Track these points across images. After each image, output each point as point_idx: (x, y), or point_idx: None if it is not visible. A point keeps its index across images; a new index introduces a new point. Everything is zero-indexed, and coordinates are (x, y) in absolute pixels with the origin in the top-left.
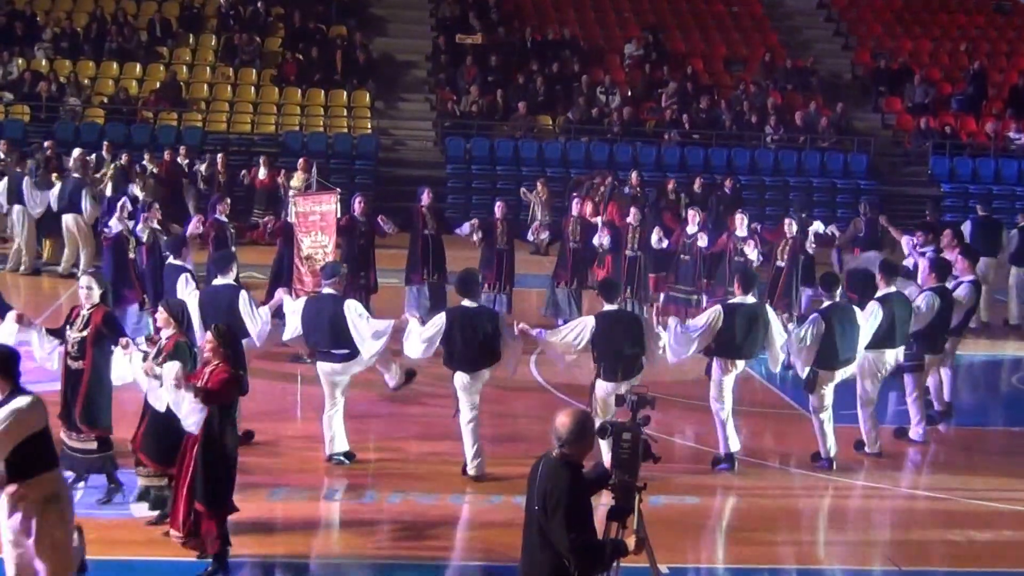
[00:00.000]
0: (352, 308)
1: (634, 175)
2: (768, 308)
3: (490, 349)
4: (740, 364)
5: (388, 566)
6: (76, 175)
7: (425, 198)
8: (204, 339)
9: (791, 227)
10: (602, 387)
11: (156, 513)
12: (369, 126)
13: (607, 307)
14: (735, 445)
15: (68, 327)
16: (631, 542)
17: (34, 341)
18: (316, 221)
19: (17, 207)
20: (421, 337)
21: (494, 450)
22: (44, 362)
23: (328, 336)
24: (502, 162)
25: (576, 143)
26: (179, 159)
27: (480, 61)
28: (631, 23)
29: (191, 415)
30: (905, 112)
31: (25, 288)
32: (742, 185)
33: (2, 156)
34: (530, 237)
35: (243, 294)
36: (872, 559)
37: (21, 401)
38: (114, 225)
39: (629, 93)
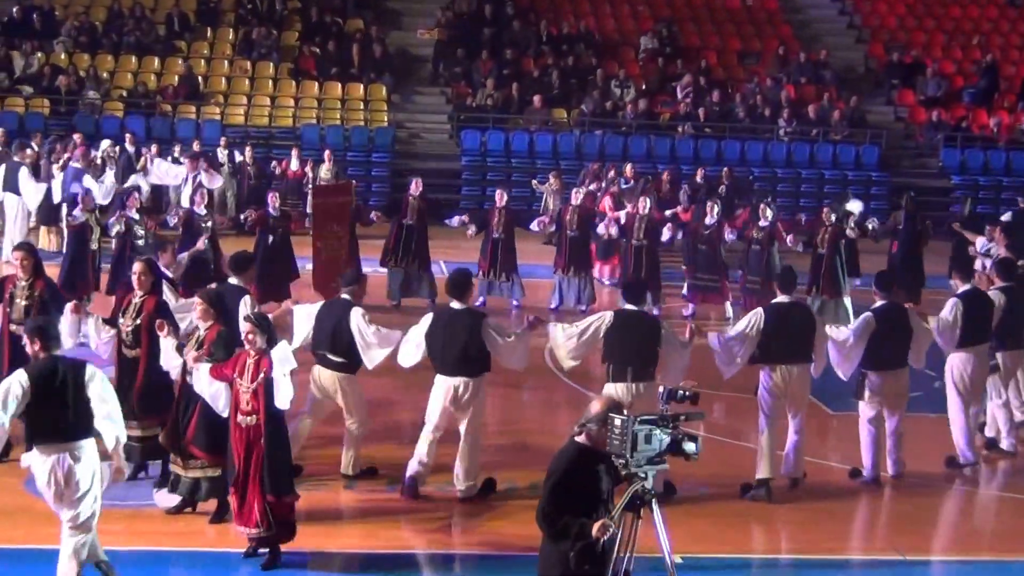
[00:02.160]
0: (358, 314)
1: (628, 168)
2: (812, 309)
3: (469, 356)
4: (793, 370)
5: (405, 557)
6: (76, 165)
7: (414, 187)
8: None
9: (829, 215)
10: (609, 388)
11: (177, 501)
12: (385, 119)
13: (627, 307)
14: (766, 471)
15: (121, 315)
16: (596, 527)
17: (90, 330)
18: (332, 213)
19: (10, 195)
20: (415, 342)
21: (512, 441)
22: (100, 350)
23: (328, 341)
24: (517, 155)
25: (590, 136)
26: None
27: (495, 54)
28: (646, 16)
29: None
30: (917, 105)
31: None
32: (751, 177)
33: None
34: (535, 227)
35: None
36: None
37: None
38: (78, 214)
39: (643, 86)
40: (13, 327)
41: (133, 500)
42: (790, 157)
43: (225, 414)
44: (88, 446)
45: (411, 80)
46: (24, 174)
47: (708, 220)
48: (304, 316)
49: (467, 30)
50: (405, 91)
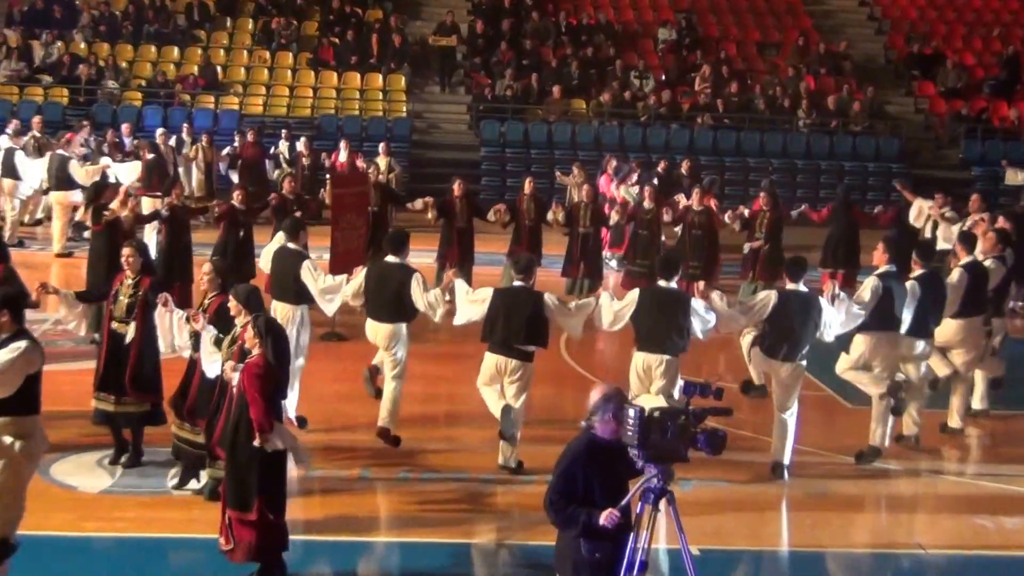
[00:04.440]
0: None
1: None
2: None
3: (402, 304)
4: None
5: (420, 545)
6: (61, 151)
7: (457, 188)
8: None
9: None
10: (639, 358)
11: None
12: (404, 109)
13: (660, 283)
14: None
15: (115, 295)
16: (603, 515)
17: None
18: (350, 202)
19: (8, 180)
20: (469, 300)
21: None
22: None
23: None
24: (536, 145)
25: (609, 127)
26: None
27: (514, 45)
28: (665, 7)
29: None
30: (937, 96)
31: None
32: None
33: (10, 132)
34: (490, 218)
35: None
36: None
37: (23, 342)
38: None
39: (663, 77)
40: (115, 325)
41: (147, 488)
42: (809, 148)
43: None
44: None
45: (430, 70)
46: (20, 157)
47: (647, 204)
48: (473, 299)
49: (486, 21)
50: (424, 82)
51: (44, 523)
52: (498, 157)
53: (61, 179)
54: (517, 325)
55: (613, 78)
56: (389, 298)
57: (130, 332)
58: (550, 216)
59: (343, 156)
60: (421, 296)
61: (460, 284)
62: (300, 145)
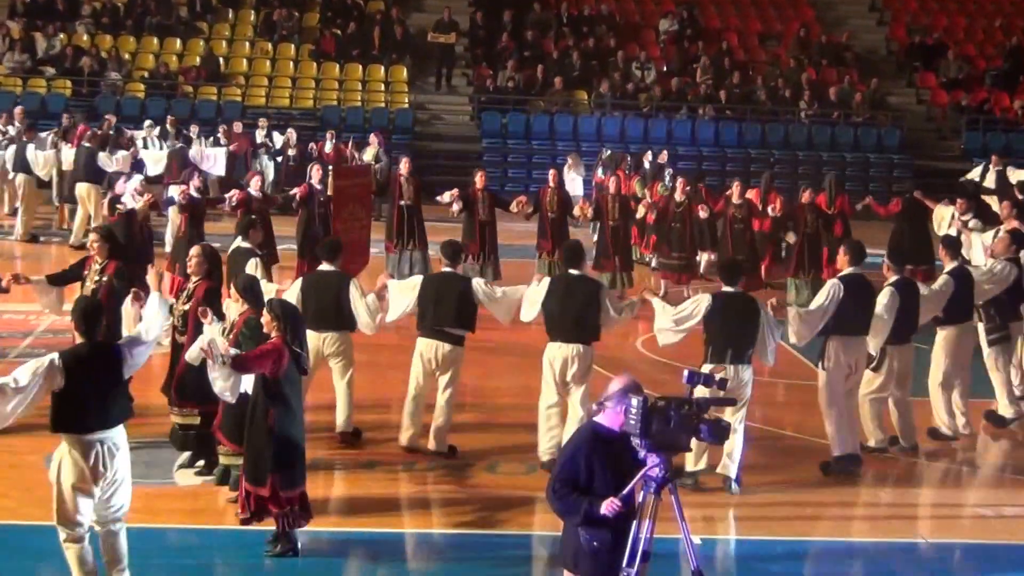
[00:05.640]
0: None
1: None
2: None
3: (586, 323)
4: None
5: (429, 537)
6: (88, 144)
7: (404, 167)
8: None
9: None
10: (708, 368)
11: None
12: (406, 101)
13: (725, 288)
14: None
15: (176, 300)
16: (604, 504)
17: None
18: (353, 194)
19: (21, 175)
20: (399, 290)
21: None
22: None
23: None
24: (537, 137)
25: (611, 118)
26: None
27: (516, 36)
28: None
29: (217, 381)
30: (939, 87)
31: (24, 255)
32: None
33: (17, 124)
34: (513, 209)
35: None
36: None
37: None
38: (128, 201)
39: (664, 68)
40: None
41: (154, 479)
42: (811, 139)
43: (216, 387)
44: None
45: (432, 62)
46: (31, 149)
47: (679, 197)
48: (403, 289)
49: (487, 12)
50: (425, 73)
51: (51, 514)
52: (499, 148)
53: (89, 170)
54: (446, 309)
55: (615, 69)
56: (328, 306)
57: None
58: (577, 211)
59: (328, 146)
60: (360, 301)
61: (392, 282)
62: (280, 138)
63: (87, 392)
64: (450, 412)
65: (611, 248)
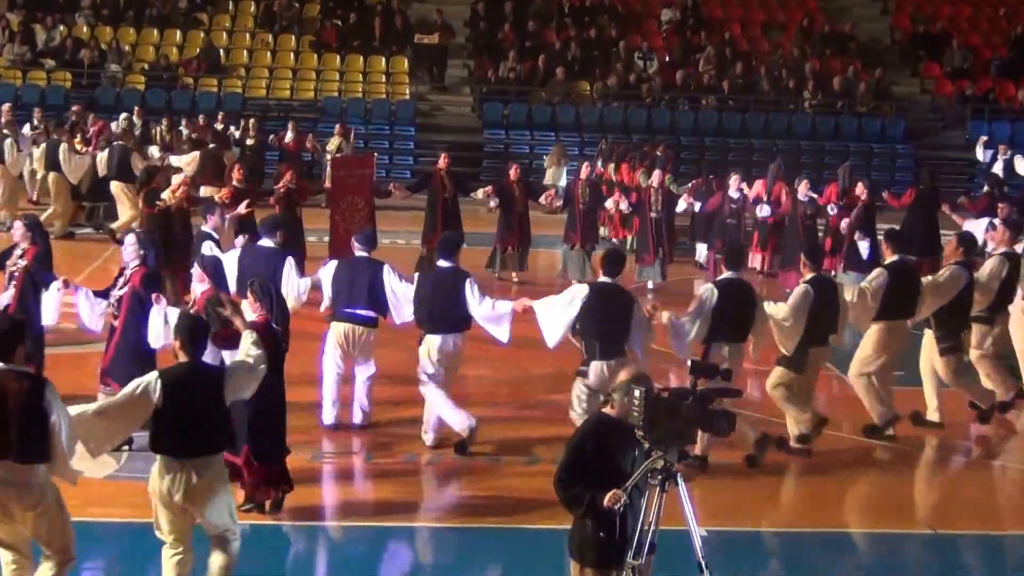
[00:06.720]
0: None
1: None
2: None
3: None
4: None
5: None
6: (120, 142)
7: (442, 162)
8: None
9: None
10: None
11: None
12: (407, 92)
13: (727, 275)
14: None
15: (114, 287)
16: (608, 496)
17: (80, 303)
18: (352, 184)
19: (53, 174)
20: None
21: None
22: (91, 323)
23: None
24: (540, 128)
25: (613, 108)
26: (217, 124)
27: (517, 26)
28: None
29: None
30: (944, 77)
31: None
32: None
33: (36, 124)
34: (542, 201)
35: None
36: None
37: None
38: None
39: (667, 59)
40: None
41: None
42: (815, 129)
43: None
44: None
45: (433, 53)
46: (64, 151)
47: (733, 193)
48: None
49: (489, 3)
50: (427, 64)
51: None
52: (501, 139)
53: (122, 169)
54: (358, 293)
55: (617, 60)
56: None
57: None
58: (610, 204)
59: (289, 136)
60: (293, 280)
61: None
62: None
63: (183, 415)
64: (450, 408)
65: (652, 241)
